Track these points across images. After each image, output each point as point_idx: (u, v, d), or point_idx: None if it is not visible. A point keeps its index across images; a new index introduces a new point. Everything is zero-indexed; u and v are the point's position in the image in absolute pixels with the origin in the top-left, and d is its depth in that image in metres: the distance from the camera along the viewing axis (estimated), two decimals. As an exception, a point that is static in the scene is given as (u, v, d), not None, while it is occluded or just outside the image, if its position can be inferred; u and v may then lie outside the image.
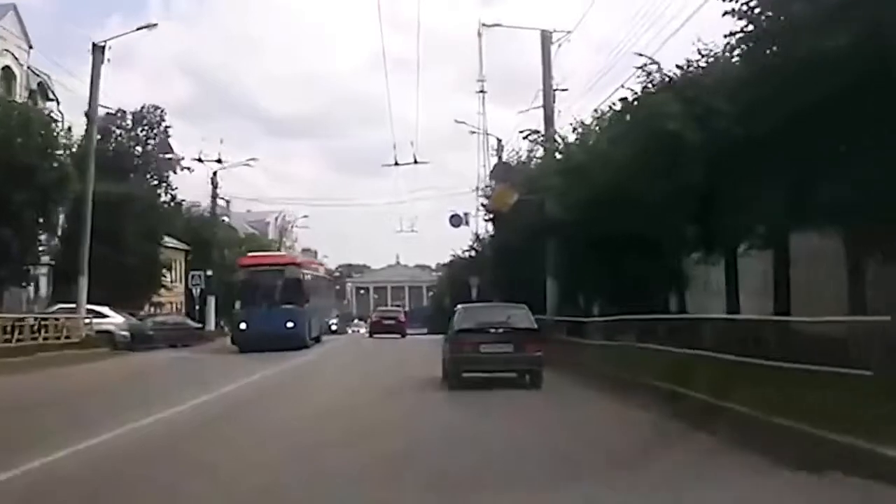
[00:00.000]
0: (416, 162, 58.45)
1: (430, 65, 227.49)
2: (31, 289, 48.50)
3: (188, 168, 77.54)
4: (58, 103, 54.32)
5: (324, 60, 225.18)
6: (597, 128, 28.48)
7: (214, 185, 61.20)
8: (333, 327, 63.54)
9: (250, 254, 53.69)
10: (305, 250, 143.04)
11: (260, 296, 42.17)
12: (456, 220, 52.26)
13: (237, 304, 44.32)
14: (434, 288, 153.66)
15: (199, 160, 73.65)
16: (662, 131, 20.84)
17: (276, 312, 40.99)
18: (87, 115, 43.39)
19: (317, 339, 45.09)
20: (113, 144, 77.22)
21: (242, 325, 42.00)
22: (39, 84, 55.35)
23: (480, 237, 67.00)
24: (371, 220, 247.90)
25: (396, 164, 58.50)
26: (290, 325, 40.99)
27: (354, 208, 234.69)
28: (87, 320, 39.25)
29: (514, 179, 38.09)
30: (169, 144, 75.23)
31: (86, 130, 44.66)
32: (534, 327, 23.27)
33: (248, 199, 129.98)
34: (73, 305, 39.77)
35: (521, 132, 34.04)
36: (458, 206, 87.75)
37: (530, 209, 34.72)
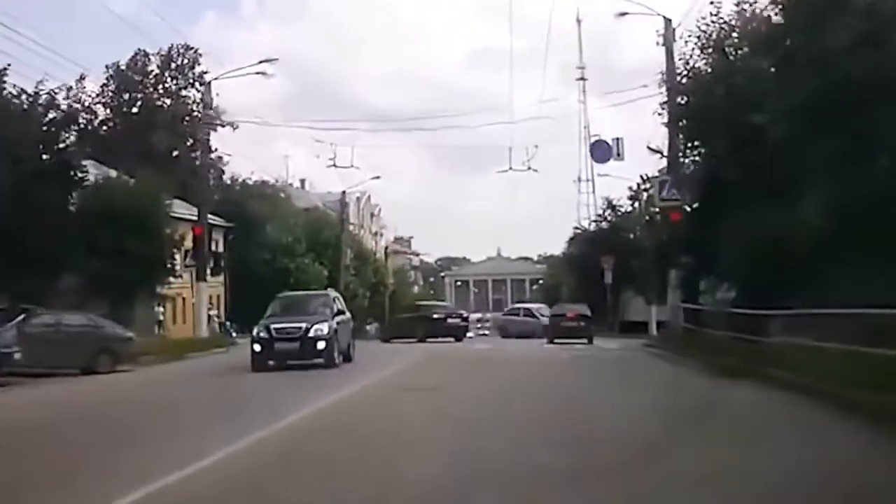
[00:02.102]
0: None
1: (531, 56, 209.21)
2: None
3: (231, 124, 58.44)
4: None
5: (424, 55, 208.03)
6: None
7: (206, 105, 39.43)
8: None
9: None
10: (398, 239, 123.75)
11: None
12: (601, 152, 30.41)
13: None
14: (540, 280, 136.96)
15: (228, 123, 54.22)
16: None
17: None
18: None
19: None
20: (137, 96, 59.58)
21: None
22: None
23: (614, 207, 46.39)
24: (472, 212, 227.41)
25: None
26: None
27: (455, 200, 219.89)
28: None
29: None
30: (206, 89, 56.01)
31: None
32: (588, 314, 40.72)
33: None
34: None
35: None
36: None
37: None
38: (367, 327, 67.14)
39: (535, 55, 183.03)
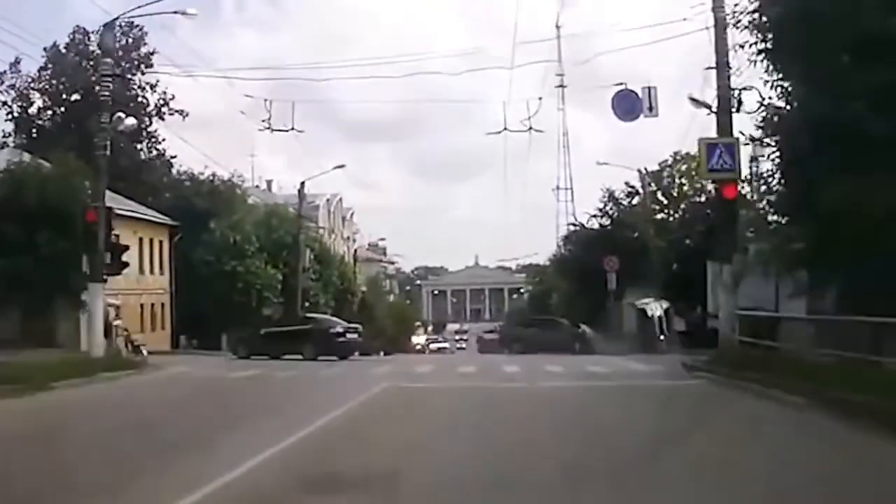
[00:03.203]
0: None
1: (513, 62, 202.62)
2: None
3: (179, 112, 50.92)
4: None
5: (405, 61, 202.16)
6: None
7: (106, 51, 29.90)
8: None
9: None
10: (372, 246, 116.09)
11: None
12: (627, 105, 22.44)
13: None
14: (520, 289, 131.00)
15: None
16: None
17: None
18: None
19: None
20: (77, 80, 51.80)
21: None
22: None
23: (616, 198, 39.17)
24: (450, 221, 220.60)
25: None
26: None
27: (434, 209, 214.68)
28: None
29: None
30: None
31: None
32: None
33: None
34: None
35: None
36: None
37: None
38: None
39: (518, 60, 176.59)
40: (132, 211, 43.28)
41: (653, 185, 47.99)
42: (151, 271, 44.97)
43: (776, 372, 15.07)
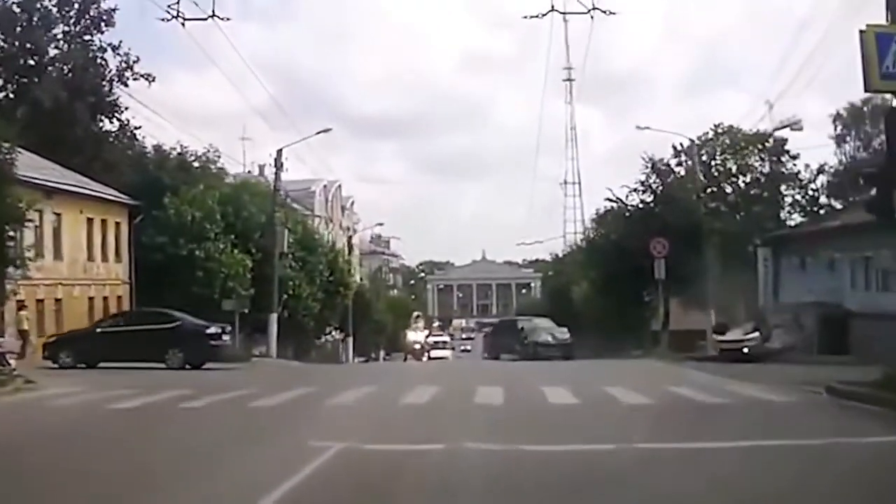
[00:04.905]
0: None
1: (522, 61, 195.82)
2: None
3: (146, 76, 43.20)
4: None
5: (412, 60, 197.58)
6: None
7: None
8: None
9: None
10: (375, 238, 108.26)
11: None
12: None
13: None
14: (530, 283, 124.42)
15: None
16: None
17: None
18: None
19: None
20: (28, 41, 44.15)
21: None
22: None
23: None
24: (457, 216, 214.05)
25: None
26: None
27: (440, 204, 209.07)
28: None
29: None
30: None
31: None
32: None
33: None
34: None
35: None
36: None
37: None
38: (326, 340, 51.55)
39: (524, 57, 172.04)
40: (79, 186, 35.60)
41: (692, 161, 40.58)
42: (104, 258, 37.09)
43: None
